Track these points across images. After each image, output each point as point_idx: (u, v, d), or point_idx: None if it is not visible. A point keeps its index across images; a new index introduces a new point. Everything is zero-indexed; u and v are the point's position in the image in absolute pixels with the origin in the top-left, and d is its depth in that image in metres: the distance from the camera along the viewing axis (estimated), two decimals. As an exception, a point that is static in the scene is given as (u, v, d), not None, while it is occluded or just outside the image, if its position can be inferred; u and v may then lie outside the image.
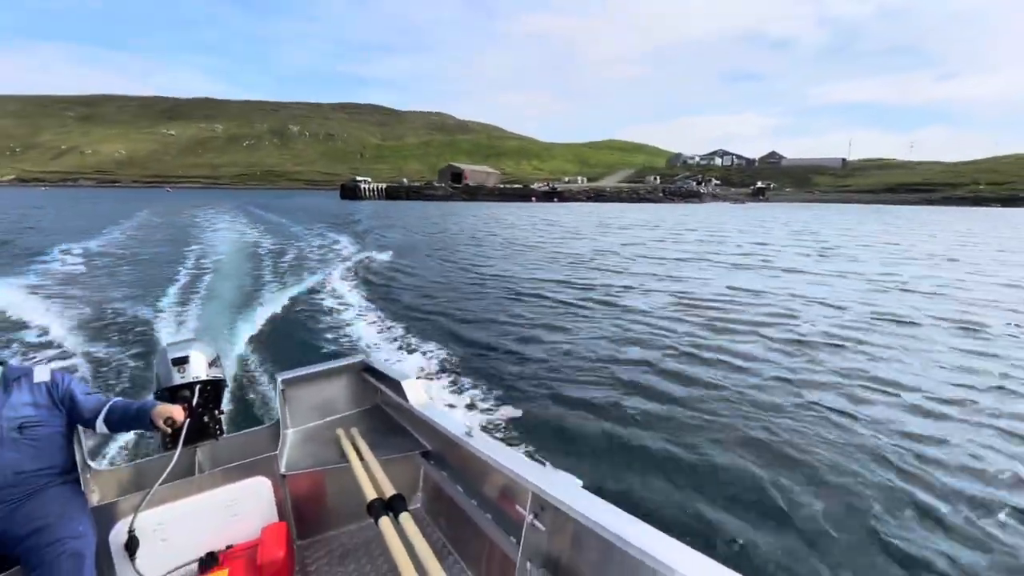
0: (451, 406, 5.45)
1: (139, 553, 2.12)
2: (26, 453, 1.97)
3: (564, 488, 1.67)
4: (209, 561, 2.20)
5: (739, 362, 7.34)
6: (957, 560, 3.47)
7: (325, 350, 7.56)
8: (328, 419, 3.14)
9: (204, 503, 2.36)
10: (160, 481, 2.17)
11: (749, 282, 13.98)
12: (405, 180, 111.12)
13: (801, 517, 3.83)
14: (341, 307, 10.50)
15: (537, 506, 1.73)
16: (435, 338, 8.17)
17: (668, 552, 1.25)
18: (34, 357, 7.15)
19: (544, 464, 1.83)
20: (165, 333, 8.50)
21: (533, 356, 7.35)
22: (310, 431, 3.05)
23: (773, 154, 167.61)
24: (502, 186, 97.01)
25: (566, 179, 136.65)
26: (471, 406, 5.53)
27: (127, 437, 4.54)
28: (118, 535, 2.15)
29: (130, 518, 2.14)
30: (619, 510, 1.49)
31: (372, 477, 2.32)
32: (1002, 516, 3.91)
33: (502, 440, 2.59)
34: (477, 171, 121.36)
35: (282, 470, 2.56)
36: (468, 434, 2.18)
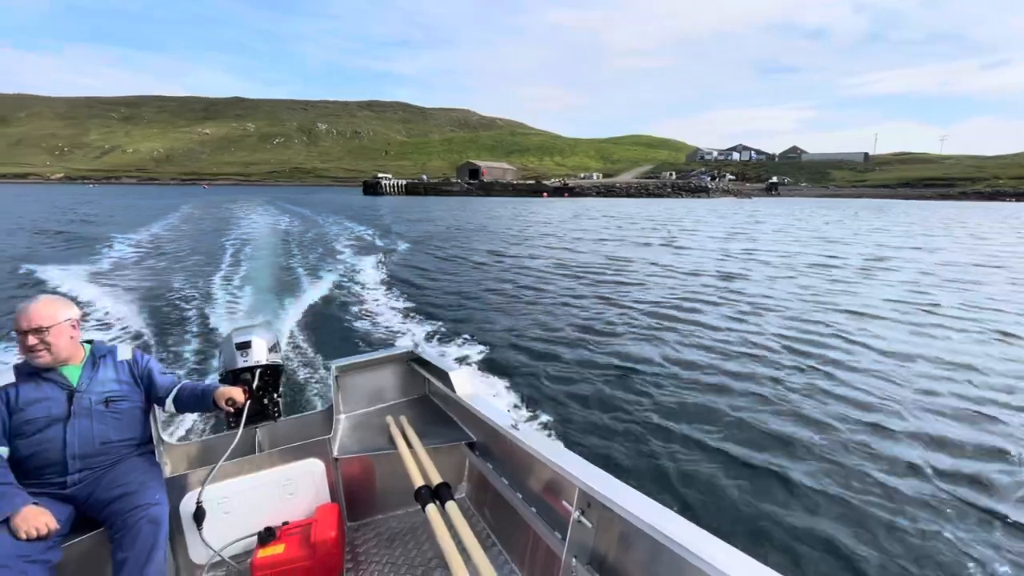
0: (496, 396, 5.51)
1: (205, 523, 2.27)
2: (111, 425, 2.16)
3: (611, 485, 1.64)
4: (267, 536, 2.30)
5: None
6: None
7: (370, 338, 7.80)
8: (378, 406, 3.27)
9: (263, 480, 2.50)
10: (224, 457, 2.33)
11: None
12: (425, 177, 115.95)
13: (865, 530, 3.61)
14: (378, 297, 10.70)
15: (584, 503, 1.71)
16: (474, 331, 8.16)
17: (717, 553, 1.24)
18: (113, 338, 7.49)
19: (589, 461, 1.87)
20: (220, 318, 8.86)
21: (573, 353, 7.19)
22: (361, 417, 3.16)
23: (794, 149, 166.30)
24: (515, 182, 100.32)
25: (582, 175, 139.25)
26: (515, 400, 5.52)
27: (194, 415, 4.67)
28: (187, 505, 2.30)
29: (198, 490, 2.29)
30: (667, 509, 1.46)
31: (420, 465, 2.40)
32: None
33: (547, 435, 2.56)
34: (494, 167, 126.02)
35: (335, 453, 2.66)
36: (514, 427, 2.20)
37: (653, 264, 15.46)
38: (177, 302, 10.07)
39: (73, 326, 2.14)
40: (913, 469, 4.33)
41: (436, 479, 2.23)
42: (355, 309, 9.58)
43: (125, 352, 2.32)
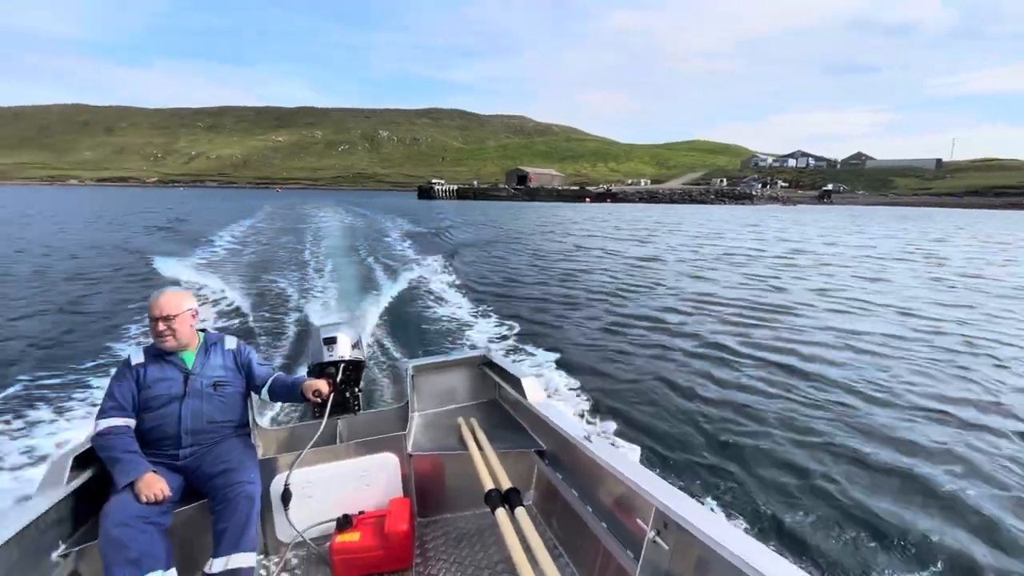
0: (566, 405, 5.37)
1: (291, 505, 2.43)
2: (217, 406, 2.39)
3: (691, 507, 1.59)
4: (344, 522, 2.42)
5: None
6: None
7: (441, 339, 7.93)
8: (449, 407, 3.34)
9: (342, 470, 2.64)
10: (310, 445, 2.50)
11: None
12: (475, 182, 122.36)
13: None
14: (447, 298, 10.85)
15: (660, 523, 1.66)
16: (543, 336, 8.07)
17: None
18: (214, 328, 7.44)
19: (665, 480, 1.74)
20: (306, 312, 9.32)
21: (647, 365, 6.87)
22: (433, 416, 3.24)
23: (858, 155, 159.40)
24: (559, 188, 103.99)
25: (628, 181, 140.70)
26: (584, 410, 5.38)
27: (280, 403, 4.69)
28: (276, 486, 2.47)
29: (286, 474, 2.47)
30: (750, 537, 1.40)
31: (490, 468, 2.44)
32: None
33: (619, 449, 2.57)
34: (542, 173, 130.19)
35: (409, 449, 2.76)
36: (587, 439, 2.19)
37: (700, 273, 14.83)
38: (268, 294, 10.91)
39: (192, 315, 2.40)
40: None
41: (506, 484, 2.25)
42: (426, 309, 9.86)
43: (231, 342, 2.56)
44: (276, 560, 2.48)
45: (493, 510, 2.08)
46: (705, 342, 7.91)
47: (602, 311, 10.06)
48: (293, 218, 36.57)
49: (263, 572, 2.42)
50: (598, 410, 5.45)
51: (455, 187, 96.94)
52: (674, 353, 7.41)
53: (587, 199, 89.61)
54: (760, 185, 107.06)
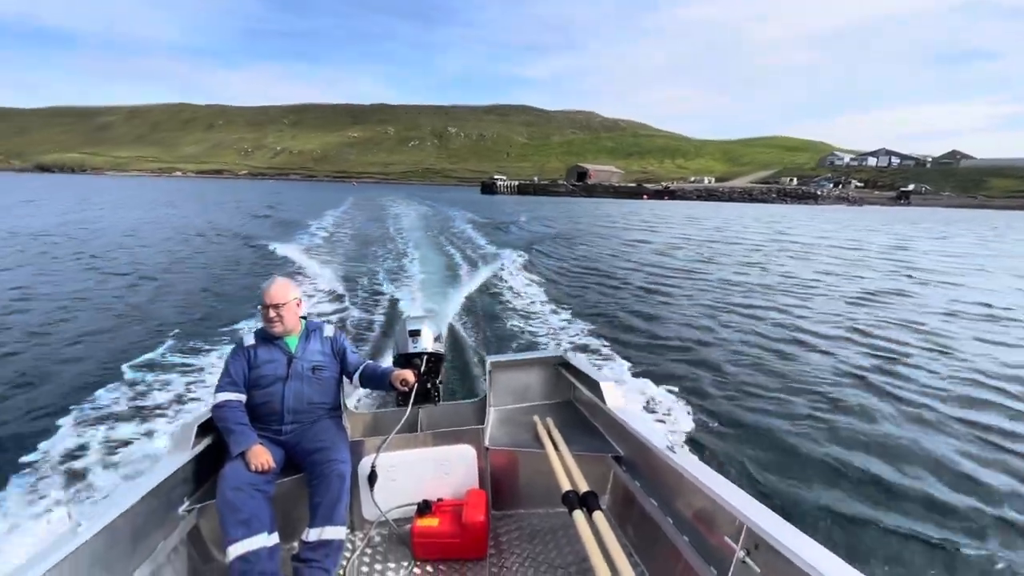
0: (644, 411, 5.09)
1: (377, 486, 2.57)
2: (315, 388, 2.58)
3: (785, 529, 1.50)
4: (424, 507, 2.53)
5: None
6: None
7: (516, 337, 7.91)
8: (524, 405, 3.38)
9: (422, 457, 2.75)
10: (395, 431, 2.63)
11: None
12: (535, 178, 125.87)
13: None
14: (522, 295, 10.86)
15: (751, 542, 1.59)
16: (618, 338, 7.84)
17: None
18: (310, 314, 7.67)
19: (755, 499, 1.66)
20: (392, 303, 9.68)
21: (735, 371, 6.61)
22: (509, 413, 3.28)
23: (953, 153, 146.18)
24: (617, 185, 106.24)
25: (691, 179, 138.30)
26: (662, 417, 5.09)
27: (365, 390, 4.68)
28: (364, 467, 2.62)
29: (373, 456, 2.60)
30: (850, 567, 1.33)
31: (566, 469, 2.44)
32: None
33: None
34: (601, 170, 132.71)
35: (486, 443, 2.82)
36: (671, 448, 2.14)
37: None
38: (358, 284, 11.42)
39: (298, 304, 2.63)
40: None
41: (583, 486, 2.26)
42: (501, 306, 9.87)
43: (329, 330, 2.78)
44: (361, 536, 2.63)
45: (570, 511, 2.09)
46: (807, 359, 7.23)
47: (686, 317, 9.53)
48: (375, 208, 40.83)
49: (349, 546, 2.53)
50: (677, 421, 5.06)
51: (516, 183, 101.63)
52: (763, 363, 6.95)
53: (644, 196, 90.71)
54: (832, 185, 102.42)
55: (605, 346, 7.48)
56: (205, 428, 2.49)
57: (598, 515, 2.00)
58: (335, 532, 2.27)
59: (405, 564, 2.45)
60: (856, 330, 8.79)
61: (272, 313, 2.53)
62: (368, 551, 2.54)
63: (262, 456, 2.28)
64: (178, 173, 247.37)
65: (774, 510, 1.60)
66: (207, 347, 6.80)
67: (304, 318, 2.73)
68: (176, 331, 7.49)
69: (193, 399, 5.21)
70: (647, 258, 17.64)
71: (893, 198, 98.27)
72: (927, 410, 5.62)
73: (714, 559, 1.79)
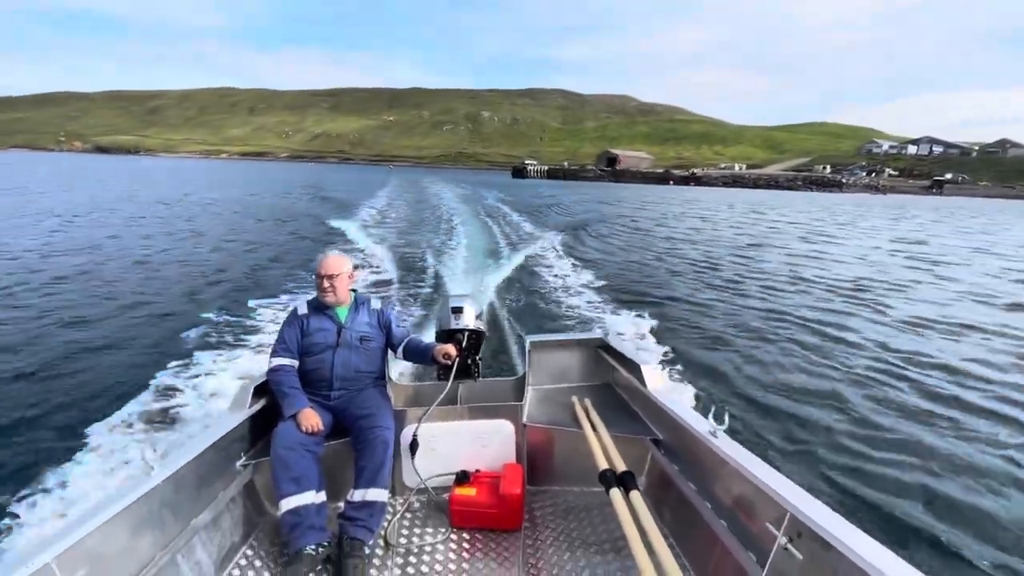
0: (683, 396, 5.09)
1: (417, 454, 2.70)
2: (362, 358, 2.71)
3: (830, 518, 1.47)
4: (463, 477, 2.63)
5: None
6: None
7: (555, 317, 7.98)
8: (563, 385, 3.42)
9: (462, 429, 2.86)
10: (436, 402, 2.74)
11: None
12: (566, 163, 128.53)
13: None
14: (560, 275, 11.04)
15: (794, 530, 1.56)
16: (660, 322, 7.85)
17: None
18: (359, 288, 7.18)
19: (799, 486, 1.63)
20: (436, 279, 9.95)
21: (779, 359, 6.53)
22: (548, 392, 3.34)
23: (1003, 142, 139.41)
24: (644, 171, 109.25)
25: (722, 165, 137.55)
26: (703, 403, 5.08)
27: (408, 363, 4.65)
28: (406, 436, 2.74)
29: (414, 426, 2.73)
30: (899, 558, 1.29)
31: (604, 448, 2.47)
32: None
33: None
34: (631, 156, 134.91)
35: (523, 420, 2.90)
36: (712, 433, 2.12)
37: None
38: (404, 260, 11.91)
39: (350, 276, 2.75)
40: None
41: (620, 466, 2.28)
42: (541, 286, 10.02)
43: (376, 303, 2.90)
44: (401, 501, 2.77)
45: (607, 489, 2.12)
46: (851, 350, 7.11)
47: (727, 304, 9.51)
48: (417, 190, 43.85)
49: (390, 509, 2.66)
50: (720, 407, 4.44)
51: (546, 167, 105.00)
52: (808, 352, 6.91)
53: (671, 181, 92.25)
54: (865, 173, 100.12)
55: (644, 332, 7.46)
56: (261, 390, 2.67)
57: (635, 495, 2.03)
58: (378, 495, 2.39)
59: (443, 530, 2.56)
60: (919, 325, 8.55)
61: (326, 283, 2.68)
62: (408, 515, 2.67)
63: (312, 419, 2.44)
64: (224, 155, 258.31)
65: (822, 499, 1.57)
66: (259, 317, 7.34)
67: (354, 291, 2.88)
68: (235, 298, 8.30)
69: (249, 361, 5.65)
70: (686, 247, 17.33)
71: (926, 187, 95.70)
72: (999, 421, 5.17)
73: (754, 545, 1.79)
